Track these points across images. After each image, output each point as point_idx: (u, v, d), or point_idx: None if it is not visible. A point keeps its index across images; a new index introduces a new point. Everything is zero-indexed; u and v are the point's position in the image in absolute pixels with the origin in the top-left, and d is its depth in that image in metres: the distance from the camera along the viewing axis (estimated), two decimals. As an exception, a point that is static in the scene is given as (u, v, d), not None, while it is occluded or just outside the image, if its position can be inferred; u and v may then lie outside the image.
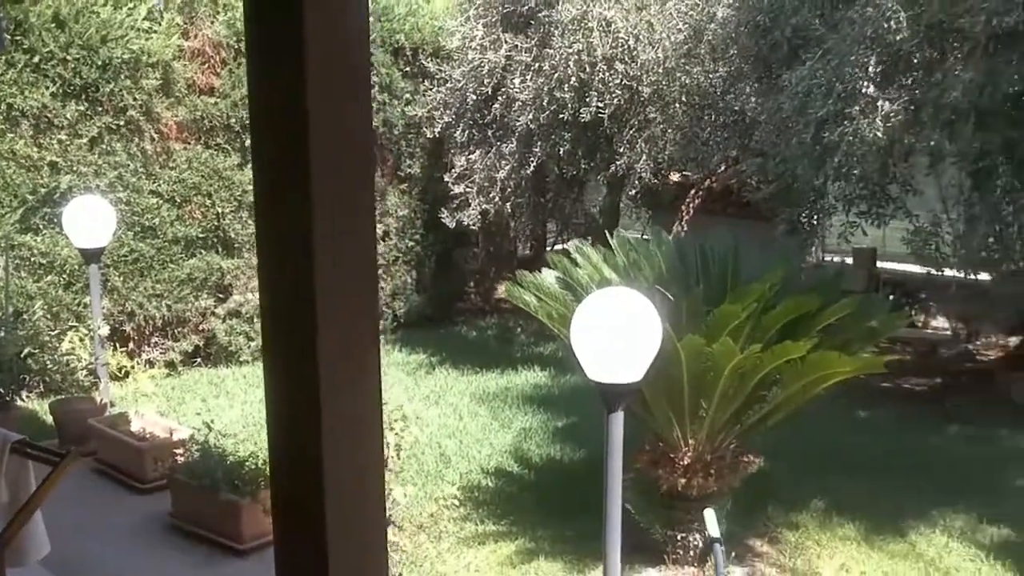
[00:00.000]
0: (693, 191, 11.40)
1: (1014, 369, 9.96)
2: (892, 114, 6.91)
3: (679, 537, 5.78)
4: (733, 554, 5.74)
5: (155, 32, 9.16)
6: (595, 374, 4.25)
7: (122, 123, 8.95)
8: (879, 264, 12.62)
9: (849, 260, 12.25)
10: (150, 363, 9.17)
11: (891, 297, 11.16)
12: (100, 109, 8.81)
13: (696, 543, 5.74)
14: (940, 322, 11.88)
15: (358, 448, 1.25)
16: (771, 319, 5.14)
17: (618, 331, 4.19)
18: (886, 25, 6.76)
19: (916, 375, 10.42)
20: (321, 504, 1.19)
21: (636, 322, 4.20)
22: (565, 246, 6.36)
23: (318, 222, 1.15)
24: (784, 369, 5.18)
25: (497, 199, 9.49)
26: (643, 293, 4.45)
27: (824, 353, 4.95)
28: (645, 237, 6.35)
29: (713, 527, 4.09)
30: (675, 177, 12.70)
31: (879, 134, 6.88)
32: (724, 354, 4.97)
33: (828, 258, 12.31)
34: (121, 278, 9.17)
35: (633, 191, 9.70)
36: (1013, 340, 11.06)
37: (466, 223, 9.76)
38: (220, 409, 8.37)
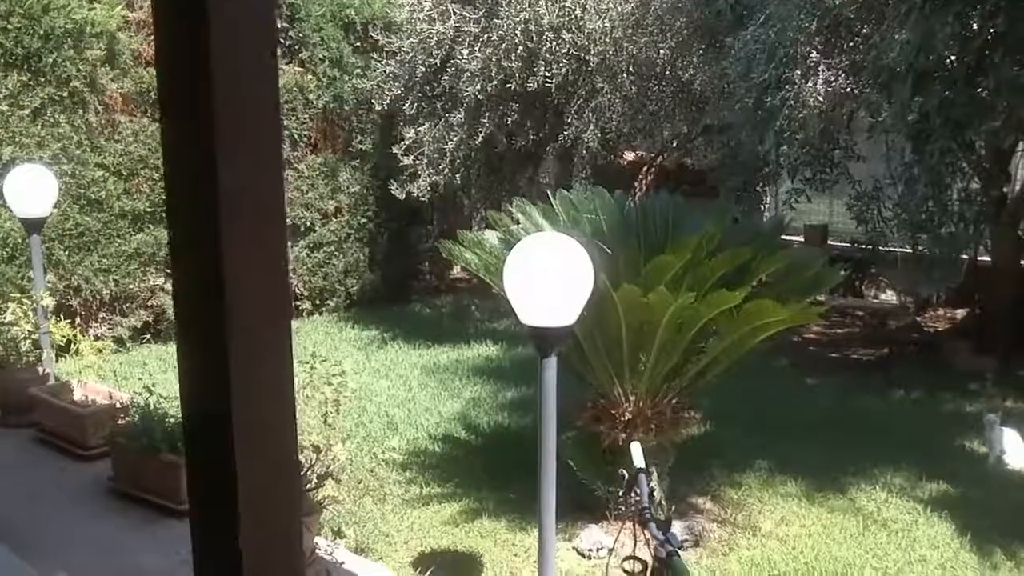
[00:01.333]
0: (646, 168, 11.47)
1: (959, 340, 10.12)
2: (832, 78, 6.99)
3: (620, 492, 5.80)
4: (674, 508, 5.75)
5: (99, 2, 9.04)
6: (528, 317, 4.24)
7: (66, 94, 8.82)
8: (830, 243, 12.76)
9: (801, 239, 12.38)
10: (98, 339, 9.05)
11: (842, 273, 11.28)
12: (43, 80, 8.68)
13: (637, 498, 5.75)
14: (890, 296, 12.05)
15: (270, 408, 1.25)
16: (708, 269, 5.16)
17: (550, 273, 4.18)
18: (826, -11, 6.85)
19: (865, 346, 10.57)
20: (232, 465, 1.19)
21: (568, 264, 4.20)
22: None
23: (223, 176, 1.15)
24: (721, 320, 5.21)
25: (447, 171, 9.47)
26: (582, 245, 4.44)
27: (759, 302, 4.98)
28: (588, 195, 6.35)
29: (639, 459, 4.10)
30: (629, 156, 12.75)
31: (820, 98, 6.96)
32: (660, 304, 4.99)
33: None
34: (66, 252, 9.05)
35: (587, 169, 9.70)
36: (960, 312, 11.23)
37: (415, 195, 9.72)
38: (168, 384, 8.23)
